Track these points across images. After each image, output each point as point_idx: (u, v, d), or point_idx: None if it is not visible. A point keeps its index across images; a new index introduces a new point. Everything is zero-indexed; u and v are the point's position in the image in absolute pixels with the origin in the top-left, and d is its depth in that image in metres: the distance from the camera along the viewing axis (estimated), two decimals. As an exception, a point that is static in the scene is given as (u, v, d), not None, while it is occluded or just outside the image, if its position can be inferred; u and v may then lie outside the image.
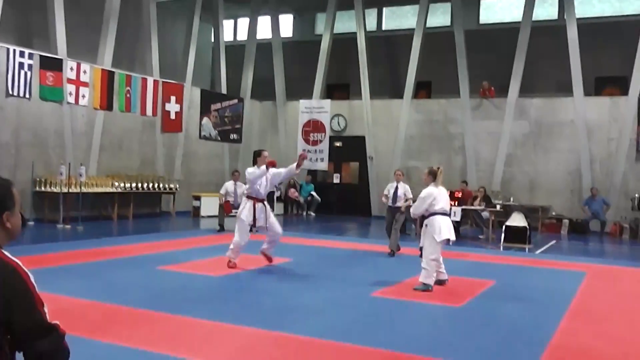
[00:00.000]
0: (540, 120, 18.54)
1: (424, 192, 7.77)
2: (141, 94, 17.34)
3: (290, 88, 22.17)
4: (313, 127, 19.79)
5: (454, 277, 8.33)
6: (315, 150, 19.60)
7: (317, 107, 20.02)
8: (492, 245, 13.35)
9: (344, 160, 21.92)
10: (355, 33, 20.73)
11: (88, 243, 10.84)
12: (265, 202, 8.90)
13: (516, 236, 13.02)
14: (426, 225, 7.73)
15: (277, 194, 18.16)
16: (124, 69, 17.23)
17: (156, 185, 16.71)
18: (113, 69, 16.45)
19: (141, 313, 5.76)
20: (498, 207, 15.08)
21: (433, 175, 7.82)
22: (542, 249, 13.27)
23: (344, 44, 21.38)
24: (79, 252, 9.58)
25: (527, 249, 12.70)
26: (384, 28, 22.78)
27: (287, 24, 24.06)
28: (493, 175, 18.76)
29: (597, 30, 18.55)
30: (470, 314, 6.37)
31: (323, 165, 19.66)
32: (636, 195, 16.71)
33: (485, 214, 14.63)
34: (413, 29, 20.09)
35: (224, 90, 21.47)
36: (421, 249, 7.75)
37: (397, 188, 10.85)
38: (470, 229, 16.29)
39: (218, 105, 20.68)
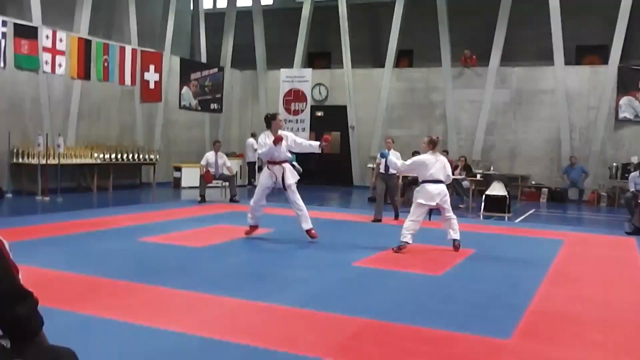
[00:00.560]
0: (521, 89, 18.60)
1: (416, 157, 8.56)
2: (119, 62, 17.01)
3: (271, 56, 21.92)
4: (294, 96, 19.66)
5: (435, 246, 8.43)
6: (297, 120, 19.51)
7: (298, 76, 19.85)
8: (472, 214, 13.48)
9: (326, 130, 21.76)
10: (336, 0, 20.47)
11: (68, 215, 10.75)
12: (284, 165, 8.65)
13: (496, 205, 13.19)
14: (417, 191, 8.23)
15: (258, 163, 18.09)
16: (101, 37, 16.88)
17: (136, 156, 16.54)
18: (90, 37, 16.10)
19: (121, 284, 5.73)
20: (478, 176, 15.19)
21: (433, 144, 8.23)
22: (522, 217, 13.43)
23: (325, 11, 21.11)
24: (58, 225, 9.50)
25: (506, 218, 12.85)
26: (365, -5, 22.53)
27: (267, -9, 23.70)
28: (474, 143, 18.84)
29: (578, -1, 18.54)
30: (449, 282, 6.45)
31: (304, 135, 19.55)
32: (614, 164, 16.92)
33: (465, 183, 14.74)
34: (395, -4, 19.89)
35: (203, 59, 21.17)
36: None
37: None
38: (451, 198, 16.37)
39: (198, 75, 20.40)
